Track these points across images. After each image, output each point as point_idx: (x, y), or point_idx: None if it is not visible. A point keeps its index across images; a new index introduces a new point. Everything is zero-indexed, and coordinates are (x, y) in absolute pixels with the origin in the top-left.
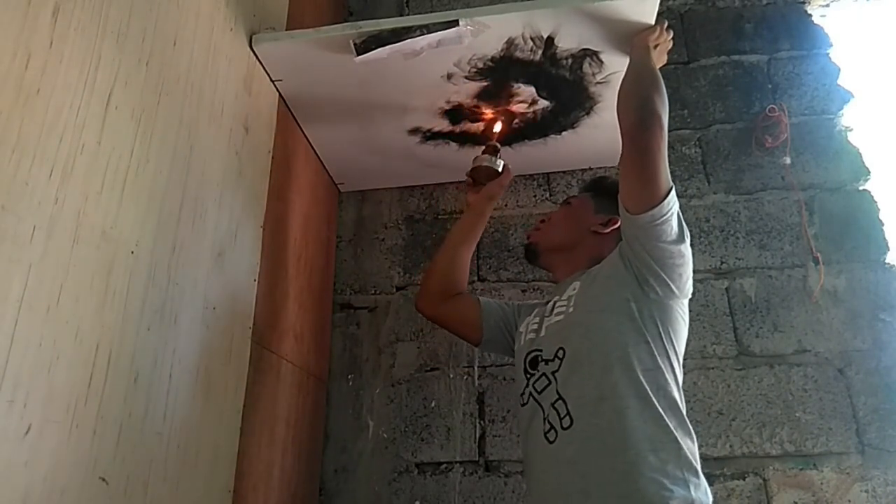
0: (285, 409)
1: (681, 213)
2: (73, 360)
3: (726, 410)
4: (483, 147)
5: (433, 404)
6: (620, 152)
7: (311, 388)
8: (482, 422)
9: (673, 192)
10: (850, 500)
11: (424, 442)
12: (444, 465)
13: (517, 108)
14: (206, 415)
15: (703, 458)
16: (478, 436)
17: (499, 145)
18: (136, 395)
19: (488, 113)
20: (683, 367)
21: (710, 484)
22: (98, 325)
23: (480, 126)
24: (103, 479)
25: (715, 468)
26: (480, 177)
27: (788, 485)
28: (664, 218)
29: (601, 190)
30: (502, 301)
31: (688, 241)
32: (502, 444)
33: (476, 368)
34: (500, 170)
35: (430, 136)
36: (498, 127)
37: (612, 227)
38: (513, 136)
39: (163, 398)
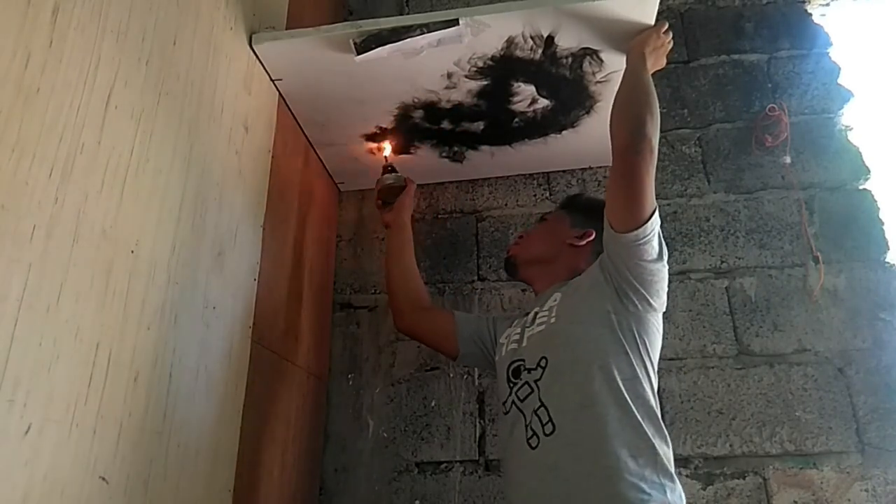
0: (285, 408)
1: (661, 233)
2: (73, 359)
3: (726, 410)
4: (381, 170)
5: (433, 404)
6: (610, 168)
7: (311, 388)
8: (482, 421)
9: (656, 213)
10: (849, 500)
11: (424, 441)
12: (444, 465)
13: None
14: (206, 414)
15: (704, 458)
16: (478, 435)
17: (393, 164)
18: (136, 395)
19: (374, 146)
20: (683, 366)
21: (710, 483)
22: (98, 324)
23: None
24: (103, 479)
25: (715, 467)
26: (389, 195)
27: (788, 484)
28: (646, 238)
29: (575, 206)
30: (480, 315)
31: (666, 259)
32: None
33: (476, 368)
34: (403, 184)
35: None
36: (387, 150)
37: (587, 240)
38: (513, 135)
39: (163, 398)
